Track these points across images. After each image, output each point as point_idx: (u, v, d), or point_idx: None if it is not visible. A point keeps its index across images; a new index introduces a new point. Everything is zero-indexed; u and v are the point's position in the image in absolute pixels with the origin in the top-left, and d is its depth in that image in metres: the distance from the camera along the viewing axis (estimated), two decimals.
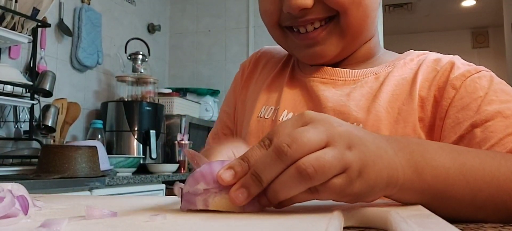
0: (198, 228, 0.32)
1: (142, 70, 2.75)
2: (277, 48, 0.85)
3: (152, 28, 3.26)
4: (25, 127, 2.10)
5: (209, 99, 3.14)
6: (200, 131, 2.88)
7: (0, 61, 2.05)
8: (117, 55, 2.86)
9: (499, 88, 0.61)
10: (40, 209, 0.43)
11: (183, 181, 0.42)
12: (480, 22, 5.62)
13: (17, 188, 0.37)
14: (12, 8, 1.85)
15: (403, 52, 0.75)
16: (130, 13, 3.07)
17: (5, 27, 1.83)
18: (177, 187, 0.43)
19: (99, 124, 2.39)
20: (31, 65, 2.05)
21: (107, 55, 2.80)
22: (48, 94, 2.11)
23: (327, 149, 0.37)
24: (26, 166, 1.88)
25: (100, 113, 2.64)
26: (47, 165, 1.68)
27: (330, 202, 0.41)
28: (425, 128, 0.64)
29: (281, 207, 0.39)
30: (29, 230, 0.31)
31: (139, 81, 2.70)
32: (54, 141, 2.20)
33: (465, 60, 0.68)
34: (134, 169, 2.30)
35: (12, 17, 1.86)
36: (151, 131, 2.53)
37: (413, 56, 0.71)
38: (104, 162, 2.02)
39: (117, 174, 2.10)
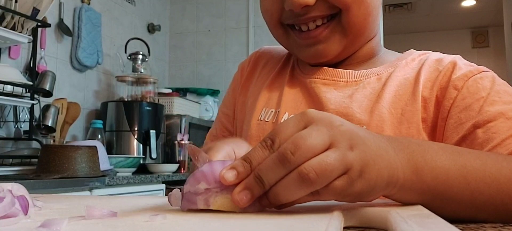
0: (198, 228, 0.32)
1: (142, 70, 2.75)
2: (276, 47, 0.85)
3: (152, 28, 3.26)
4: (25, 127, 2.10)
5: (209, 99, 3.14)
6: (200, 131, 2.88)
7: (0, 61, 2.05)
8: (117, 55, 2.86)
9: (502, 89, 0.61)
10: (40, 209, 0.43)
11: (183, 181, 0.42)
12: (480, 22, 5.62)
13: (17, 188, 0.37)
14: (12, 8, 1.85)
15: (404, 52, 0.74)
16: (130, 13, 3.07)
17: (5, 27, 1.83)
18: (172, 197, 0.43)
19: (99, 124, 2.39)
20: (31, 65, 2.05)
21: (107, 55, 2.80)
22: (48, 94, 2.11)
23: (329, 152, 0.37)
24: (26, 166, 1.88)
25: (100, 113, 2.64)
26: (47, 165, 1.68)
27: (330, 202, 0.41)
28: (427, 128, 0.63)
29: (282, 208, 0.39)
30: (29, 230, 0.31)
31: (139, 81, 2.70)
32: (54, 141, 2.20)
33: (465, 60, 0.68)
34: (134, 169, 2.30)
35: (12, 17, 1.86)
36: (151, 131, 2.53)
37: (414, 56, 0.70)
38: (104, 162, 2.02)
39: (117, 174, 2.10)
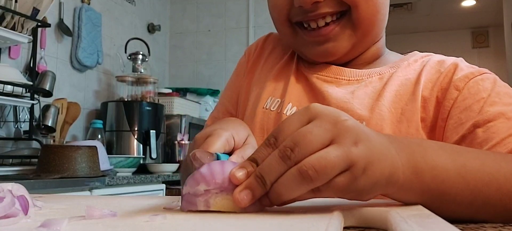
0: (199, 228, 0.32)
1: (142, 70, 2.75)
2: None
3: (152, 28, 3.27)
4: (25, 127, 2.10)
5: (209, 99, 3.14)
6: (200, 130, 2.88)
7: (0, 61, 2.05)
8: (117, 55, 2.86)
9: (502, 91, 0.61)
10: (40, 209, 0.43)
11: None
12: (480, 22, 5.62)
13: (17, 188, 0.37)
14: (12, 8, 1.85)
15: (406, 53, 0.75)
16: (130, 13, 3.07)
17: (5, 27, 1.83)
18: (196, 156, 0.42)
19: (99, 123, 2.39)
20: (31, 65, 2.05)
21: (107, 55, 2.80)
22: (48, 94, 2.11)
23: (330, 148, 0.36)
24: (26, 166, 1.88)
25: (100, 113, 2.64)
26: (47, 165, 1.68)
27: (330, 201, 0.41)
28: (426, 128, 0.64)
29: (283, 205, 0.39)
30: (29, 230, 0.31)
31: (139, 81, 2.70)
32: (54, 141, 2.20)
33: (465, 60, 0.68)
34: (134, 169, 2.30)
35: (12, 17, 1.86)
36: (151, 131, 2.53)
37: (417, 57, 0.71)
38: (104, 162, 2.02)
39: (117, 174, 2.10)
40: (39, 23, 1.99)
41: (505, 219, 0.46)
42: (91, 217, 0.35)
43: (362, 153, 0.37)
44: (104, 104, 2.61)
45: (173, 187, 2.38)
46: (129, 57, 2.78)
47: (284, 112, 0.70)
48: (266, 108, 0.72)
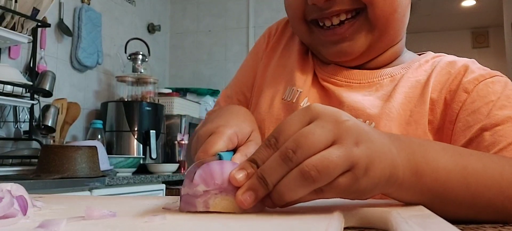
0: (198, 229, 0.32)
1: (142, 70, 2.75)
2: None
3: (152, 28, 3.26)
4: (25, 127, 2.10)
5: (209, 99, 3.13)
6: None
7: (0, 61, 2.05)
8: (117, 55, 2.86)
9: None
10: (39, 209, 0.43)
11: (183, 182, 0.42)
12: (480, 22, 5.61)
13: (16, 188, 0.37)
14: (12, 8, 1.85)
15: (421, 53, 0.74)
16: (130, 13, 3.07)
17: (5, 27, 1.83)
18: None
19: (99, 124, 2.39)
20: (31, 65, 2.05)
21: (107, 55, 2.80)
22: (48, 94, 2.11)
23: (332, 148, 0.36)
24: (26, 166, 1.88)
25: (100, 113, 2.64)
26: (47, 165, 1.68)
27: (331, 202, 0.41)
28: (433, 130, 0.63)
29: (286, 206, 0.39)
30: (28, 230, 0.31)
31: (139, 81, 2.70)
32: (54, 141, 2.20)
33: (479, 64, 0.67)
34: (134, 169, 2.30)
35: (12, 17, 1.86)
36: (151, 131, 2.53)
37: (428, 58, 0.70)
38: (104, 162, 2.02)
39: (117, 174, 2.10)
40: (39, 23, 1.98)
41: (506, 221, 0.45)
42: (91, 218, 0.35)
43: (363, 153, 0.37)
44: (104, 105, 2.61)
45: (173, 187, 2.38)
46: (129, 57, 2.78)
47: (301, 104, 0.68)
48: (285, 100, 0.71)
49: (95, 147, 1.83)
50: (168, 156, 2.74)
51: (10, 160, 1.94)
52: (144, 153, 2.51)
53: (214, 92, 3.16)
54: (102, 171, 1.87)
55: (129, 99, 2.64)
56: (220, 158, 0.45)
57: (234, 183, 0.38)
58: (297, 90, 0.70)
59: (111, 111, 2.56)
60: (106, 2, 2.82)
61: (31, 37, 1.96)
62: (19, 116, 2.07)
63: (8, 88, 1.81)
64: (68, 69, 2.52)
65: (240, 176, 0.38)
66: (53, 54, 2.41)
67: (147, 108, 2.59)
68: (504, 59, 4.59)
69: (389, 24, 0.66)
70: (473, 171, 0.45)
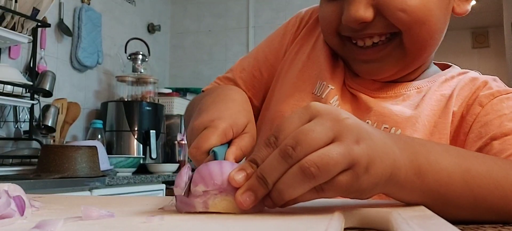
0: (197, 229, 0.32)
1: (142, 70, 2.75)
2: None
3: (152, 28, 3.26)
4: (25, 127, 2.09)
5: None
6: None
7: (0, 61, 2.05)
8: (117, 55, 2.86)
9: None
10: (37, 210, 0.42)
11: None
12: (480, 22, 5.61)
13: (14, 189, 0.37)
14: (12, 8, 1.85)
15: (445, 64, 0.74)
16: (130, 13, 3.07)
17: (5, 27, 1.83)
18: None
19: (99, 124, 2.39)
20: (31, 65, 2.05)
21: (107, 55, 2.80)
22: (48, 94, 2.11)
23: (332, 146, 0.36)
24: (26, 166, 1.88)
25: (100, 113, 2.64)
26: (47, 165, 1.67)
27: (331, 202, 0.41)
28: (448, 140, 0.64)
29: (286, 206, 0.38)
30: (24, 230, 0.30)
31: (139, 81, 2.70)
32: (54, 141, 2.20)
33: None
34: (134, 169, 2.30)
35: (12, 17, 1.86)
36: (151, 131, 2.53)
37: (454, 74, 0.69)
38: (104, 162, 2.02)
39: (117, 174, 2.10)
40: (39, 23, 1.98)
41: (509, 221, 0.45)
42: (88, 218, 0.35)
43: (364, 151, 0.37)
44: (104, 105, 2.61)
45: (173, 187, 2.38)
46: (129, 57, 2.78)
47: (330, 102, 0.67)
48: (316, 95, 0.69)
49: (95, 146, 1.83)
50: (168, 156, 2.74)
51: (10, 160, 1.94)
52: (144, 153, 2.51)
53: None
54: (102, 171, 1.87)
55: (129, 99, 2.64)
56: (214, 153, 0.44)
57: (233, 184, 0.38)
58: (328, 86, 0.68)
59: (111, 111, 2.56)
60: (106, 2, 2.82)
61: (31, 37, 1.96)
62: (19, 115, 2.07)
63: (8, 88, 1.81)
64: (68, 69, 2.52)
65: (239, 177, 0.38)
66: (53, 54, 2.41)
67: (147, 108, 2.59)
68: (504, 59, 4.59)
69: (424, 50, 0.64)
70: (476, 174, 0.45)
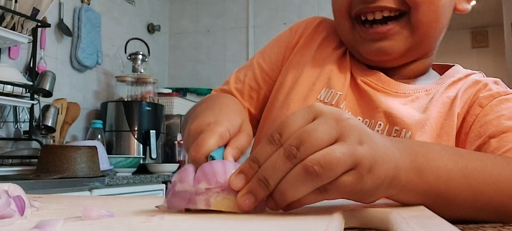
0: (196, 229, 0.32)
1: (142, 70, 2.75)
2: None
3: (151, 28, 3.26)
4: (25, 127, 2.09)
5: None
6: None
7: (0, 61, 2.05)
8: (116, 55, 2.86)
9: None
10: (37, 210, 0.42)
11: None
12: (480, 22, 5.61)
13: (14, 189, 0.37)
14: (12, 8, 1.85)
15: (446, 65, 0.76)
16: (130, 13, 3.07)
17: (5, 27, 1.83)
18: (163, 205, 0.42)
19: (99, 124, 2.39)
20: (31, 65, 2.05)
21: (106, 55, 2.80)
22: (48, 94, 2.11)
23: (336, 145, 0.36)
24: (26, 166, 1.88)
25: (100, 113, 2.64)
26: (46, 165, 1.67)
27: (331, 203, 0.41)
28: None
29: (289, 209, 0.38)
30: (24, 230, 0.30)
31: (139, 81, 2.70)
32: (54, 141, 2.20)
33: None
34: (134, 169, 2.30)
35: (12, 17, 1.86)
36: (151, 131, 2.53)
37: (460, 76, 0.72)
38: (104, 162, 2.02)
39: (117, 174, 2.10)
40: (39, 23, 1.98)
41: (505, 219, 0.46)
42: (88, 218, 0.35)
43: (367, 152, 0.37)
44: (104, 105, 2.61)
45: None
46: (128, 58, 2.78)
47: (340, 107, 0.69)
48: (321, 100, 0.71)
49: (95, 147, 1.83)
50: (168, 156, 2.74)
51: (10, 160, 1.94)
52: (144, 153, 2.51)
53: None
54: (102, 171, 1.87)
55: (129, 99, 2.63)
56: (212, 158, 0.45)
57: (233, 188, 0.38)
58: (337, 93, 0.70)
59: (111, 111, 2.56)
60: (106, 2, 2.82)
61: (31, 37, 1.96)
62: (19, 115, 2.07)
63: (8, 88, 1.81)
64: (68, 69, 2.52)
65: (238, 181, 0.38)
66: (53, 54, 2.41)
67: (147, 108, 2.59)
68: (503, 59, 4.59)
69: (429, 31, 0.68)
70: (473, 170, 0.46)
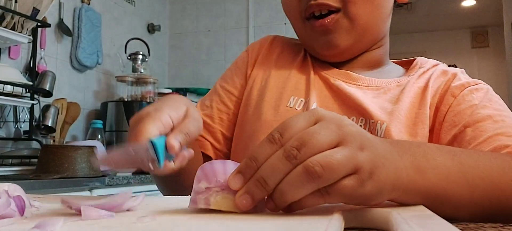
0: (196, 229, 0.32)
1: (142, 70, 2.75)
2: (289, 39, 0.87)
3: (152, 28, 3.26)
4: (25, 127, 2.09)
5: None
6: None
7: (0, 61, 2.05)
8: (116, 55, 2.86)
9: (493, 99, 0.69)
10: (37, 210, 0.42)
11: None
12: (480, 21, 5.62)
13: (14, 189, 0.37)
14: (12, 8, 1.85)
15: (409, 58, 0.81)
16: (130, 13, 3.07)
17: (5, 27, 1.83)
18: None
19: (99, 124, 2.39)
20: (31, 65, 2.05)
21: (107, 55, 2.80)
22: (48, 94, 2.11)
23: (337, 149, 0.36)
24: (26, 166, 1.88)
25: (100, 113, 2.64)
26: (46, 165, 1.67)
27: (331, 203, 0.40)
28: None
29: (290, 211, 0.38)
30: (24, 230, 0.30)
31: (139, 81, 2.70)
32: (54, 141, 2.20)
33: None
34: (134, 169, 2.29)
35: (12, 17, 1.86)
36: None
37: (428, 66, 0.76)
38: None
39: (117, 174, 2.10)
40: (39, 23, 1.98)
41: (499, 212, 0.47)
42: (88, 218, 0.35)
43: (368, 157, 0.37)
44: (104, 105, 2.61)
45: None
46: (129, 57, 2.78)
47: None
48: (291, 107, 0.74)
49: (95, 147, 1.83)
50: None
51: (10, 160, 1.94)
52: None
53: None
54: (102, 171, 1.87)
55: (129, 99, 2.64)
56: (153, 144, 0.44)
57: (231, 187, 0.38)
58: (301, 100, 0.74)
59: (111, 111, 2.56)
60: (106, 2, 2.82)
61: (31, 37, 1.96)
62: (19, 116, 2.07)
63: (8, 88, 1.81)
64: (68, 69, 2.52)
65: (236, 181, 0.38)
66: (53, 54, 2.41)
67: None
68: (503, 59, 4.59)
69: (370, 22, 0.73)
70: (468, 167, 0.47)
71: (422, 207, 0.42)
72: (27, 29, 1.94)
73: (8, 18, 1.85)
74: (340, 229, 0.33)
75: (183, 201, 0.46)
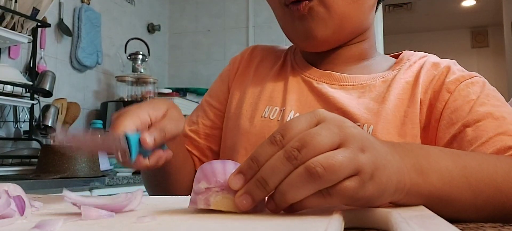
0: (196, 228, 0.32)
1: (142, 70, 2.75)
2: (271, 47, 0.86)
3: (151, 28, 3.26)
4: (25, 127, 2.09)
5: None
6: None
7: (0, 61, 2.05)
8: (116, 55, 2.86)
9: (491, 93, 0.65)
10: (37, 210, 0.42)
11: None
12: (480, 21, 5.62)
13: (14, 189, 0.37)
14: (12, 8, 1.85)
15: (396, 53, 0.77)
16: (130, 13, 3.07)
17: (5, 27, 1.83)
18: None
19: (99, 124, 2.39)
20: (31, 65, 2.05)
21: (106, 55, 2.80)
22: (48, 94, 2.11)
23: (338, 150, 0.36)
24: (26, 166, 1.88)
25: (100, 113, 2.64)
26: (46, 165, 1.67)
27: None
28: (420, 129, 0.66)
29: (291, 212, 0.38)
30: (24, 230, 0.30)
31: (139, 81, 2.70)
32: (54, 141, 2.20)
33: (465, 60, 0.71)
34: (134, 169, 2.29)
35: (12, 17, 1.86)
36: None
37: (415, 59, 0.73)
38: (104, 162, 2.02)
39: (117, 174, 2.10)
40: (39, 23, 1.98)
41: (502, 217, 0.47)
42: (88, 218, 0.35)
43: (369, 159, 0.37)
44: (104, 105, 2.61)
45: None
46: (128, 57, 2.78)
47: (286, 119, 0.70)
48: (265, 117, 0.73)
49: None
50: None
51: (10, 160, 1.94)
52: None
53: None
54: (102, 171, 1.87)
55: (129, 99, 2.63)
56: (127, 138, 0.45)
57: (231, 187, 0.38)
58: (276, 109, 0.73)
59: (111, 111, 2.56)
60: (106, 2, 2.82)
61: (31, 37, 1.96)
62: (19, 115, 2.07)
63: (8, 88, 1.81)
64: (68, 69, 2.52)
65: (237, 181, 0.38)
66: (53, 54, 2.41)
67: None
68: (503, 59, 4.60)
69: (348, 12, 0.69)
70: (472, 170, 0.46)
71: (422, 207, 0.42)
72: (27, 29, 1.94)
73: (8, 18, 1.85)
74: (340, 229, 0.33)
75: (183, 201, 0.46)
